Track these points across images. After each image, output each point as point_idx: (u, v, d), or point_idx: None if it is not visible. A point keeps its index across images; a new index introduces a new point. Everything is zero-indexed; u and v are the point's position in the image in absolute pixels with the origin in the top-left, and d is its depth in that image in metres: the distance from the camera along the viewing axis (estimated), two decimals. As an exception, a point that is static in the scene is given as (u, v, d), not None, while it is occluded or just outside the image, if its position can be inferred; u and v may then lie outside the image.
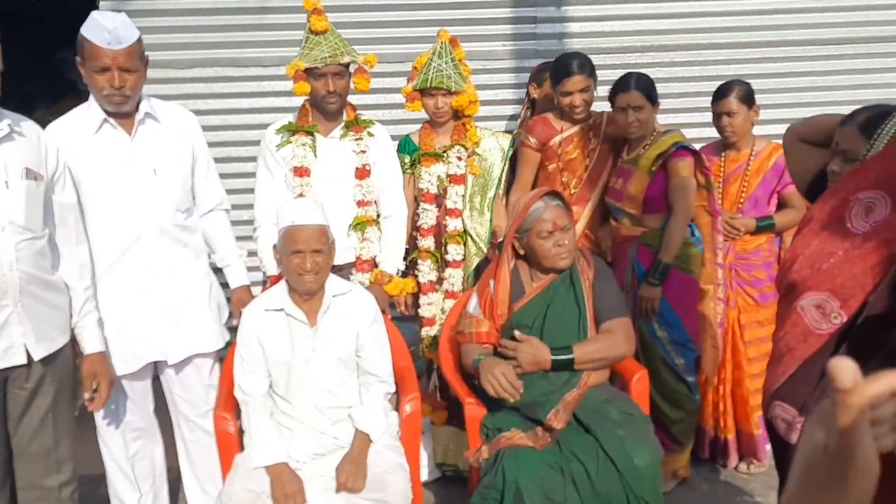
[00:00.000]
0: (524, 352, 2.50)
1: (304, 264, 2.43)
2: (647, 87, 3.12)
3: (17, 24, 5.52)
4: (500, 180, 3.31)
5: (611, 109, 3.28)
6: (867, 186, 1.86)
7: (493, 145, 3.30)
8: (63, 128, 2.52)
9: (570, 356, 2.50)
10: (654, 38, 4.52)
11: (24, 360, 2.19)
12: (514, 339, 2.58)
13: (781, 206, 3.35)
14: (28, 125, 2.27)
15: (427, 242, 3.22)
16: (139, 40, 2.46)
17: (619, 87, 3.16)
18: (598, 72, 4.29)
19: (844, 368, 0.62)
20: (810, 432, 0.68)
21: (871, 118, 1.95)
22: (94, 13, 2.44)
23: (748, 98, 3.31)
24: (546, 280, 2.66)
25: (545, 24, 4.50)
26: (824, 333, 1.89)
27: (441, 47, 3.16)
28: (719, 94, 3.34)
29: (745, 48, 4.55)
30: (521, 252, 2.69)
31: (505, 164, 3.32)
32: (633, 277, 3.17)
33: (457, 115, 3.23)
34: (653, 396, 3.07)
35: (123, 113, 2.52)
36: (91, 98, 2.53)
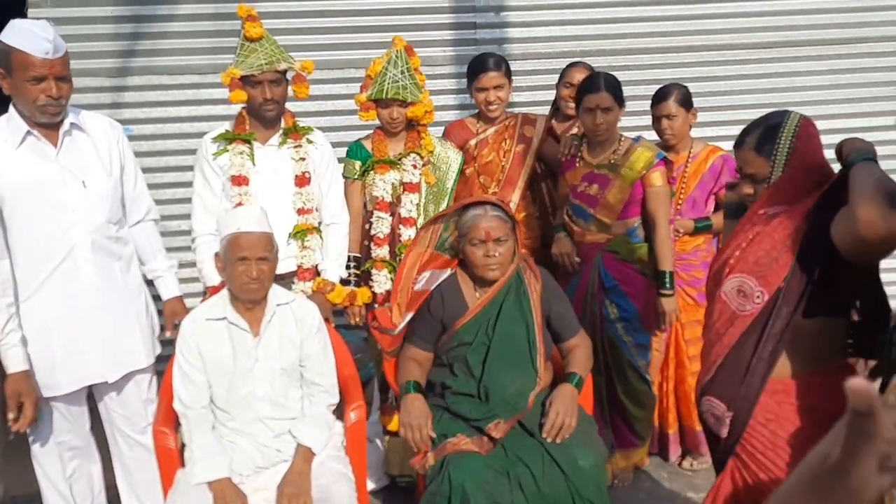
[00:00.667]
0: (565, 413, 2.43)
1: (250, 271, 2.40)
2: (615, 89, 3.10)
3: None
4: (452, 190, 3.27)
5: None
6: (772, 204, 1.96)
7: (448, 155, 3.27)
8: None
9: (580, 377, 2.58)
10: (593, 43, 4.58)
11: None
12: (457, 357, 2.59)
13: (718, 207, 3.43)
14: None
15: (382, 252, 3.15)
16: (66, 49, 2.43)
17: (588, 87, 3.12)
18: (538, 76, 4.37)
19: (862, 391, 0.60)
20: (822, 442, 0.66)
21: (762, 136, 1.99)
22: (17, 22, 2.38)
23: (686, 101, 3.38)
24: (490, 294, 2.63)
25: (485, 29, 4.52)
26: (748, 315, 1.96)
27: (396, 55, 3.10)
28: (658, 98, 3.40)
29: (681, 52, 4.63)
30: (461, 256, 2.69)
31: (458, 175, 3.29)
32: (600, 285, 3.17)
33: (410, 123, 3.19)
34: (620, 398, 3.20)
35: (48, 124, 2.45)
36: (11, 110, 2.45)
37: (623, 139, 3.18)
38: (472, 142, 3.41)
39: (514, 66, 3.58)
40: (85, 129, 2.56)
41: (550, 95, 4.46)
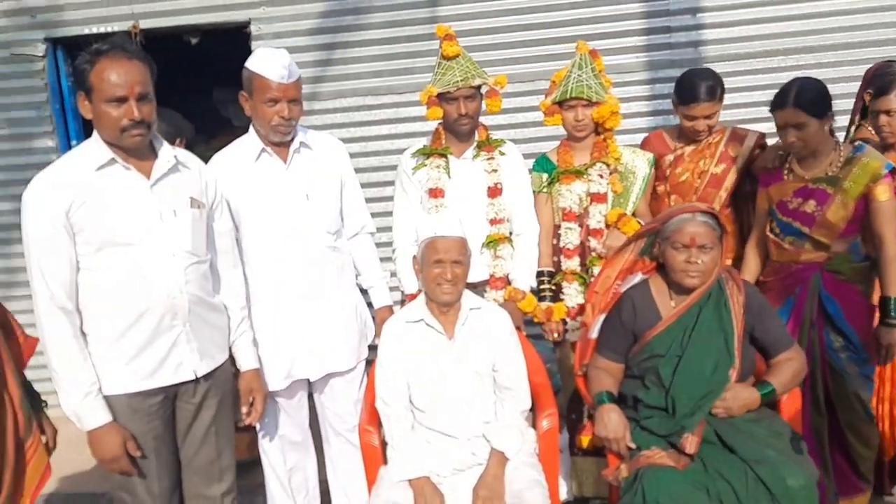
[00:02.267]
0: (734, 406, 2.41)
1: (445, 274, 2.51)
2: (809, 100, 2.70)
3: (176, 65, 6.00)
4: (637, 200, 3.12)
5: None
6: None
7: (634, 162, 3.13)
8: (226, 157, 2.75)
9: (772, 388, 2.47)
10: (797, 40, 4.31)
11: (192, 376, 2.37)
12: (648, 369, 2.53)
13: None
14: (191, 158, 2.48)
15: (572, 264, 3.08)
16: (300, 75, 2.68)
17: (775, 102, 2.79)
18: (738, 78, 4.18)
19: None
20: None
21: None
22: (261, 50, 2.67)
23: None
24: (686, 303, 2.53)
25: (680, 33, 4.40)
26: None
27: (580, 59, 3.07)
28: (880, 91, 3.09)
29: (899, 44, 4.26)
30: (660, 259, 2.61)
31: (645, 185, 3.13)
32: (819, 311, 2.85)
33: (597, 130, 3.12)
34: (845, 436, 2.91)
35: (280, 143, 2.71)
36: (251, 129, 2.74)
37: (842, 146, 2.83)
38: (669, 157, 3.20)
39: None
40: (311, 147, 2.80)
41: (748, 98, 4.27)
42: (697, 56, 4.31)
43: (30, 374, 2.58)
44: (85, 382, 2.20)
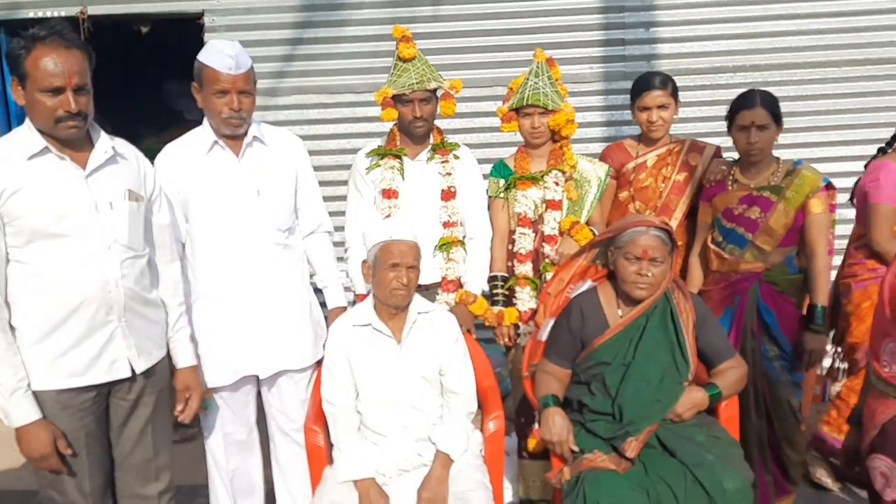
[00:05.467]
0: (684, 410, 2.49)
1: (401, 278, 2.50)
2: (773, 105, 2.92)
3: (126, 57, 5.90)
4: (592, 208, 3.15)
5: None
6: None
7: (590, 171, 3.17)
8: (177, 148, 2.69)
9: (719, 390, 2.55)
10: (746, 58, 4.44)
11: (128, 374, 2.30)
12: (595, 376, 2.58)
13: None
14: (129, 148, 2.40)
15: (525, 269, 3.10)
16: (252, 66, 2.63)
17: (742, 103, 2.94)
18: (689, 93, 4.28)
19: None
20: None
21: None
22: (212, 41, 2.62)
23: None
24: (633, 313, 2.58)
25: (634, 45, 4.49)
26: None
27: (538, 67, 3.10)
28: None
29: (841, 66, 4.40)
30: (611, 267, 2.66)
31: (600, 194, 3.17)
32: (759, 322, 2.98)
33: (553, 138, 3.15)
34: (777, 442, 3.02)
35: (232, 136, 2.66)
36: (205, 121, 2.68)
37: (781, 161, 2.99)
38: (630, 165, 3.26)
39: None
40: (265, 142, 2.75)
41: (701, 113, 4.38)
42: (650, 69, 4.39)
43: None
44: (12, 378, 2.12)
